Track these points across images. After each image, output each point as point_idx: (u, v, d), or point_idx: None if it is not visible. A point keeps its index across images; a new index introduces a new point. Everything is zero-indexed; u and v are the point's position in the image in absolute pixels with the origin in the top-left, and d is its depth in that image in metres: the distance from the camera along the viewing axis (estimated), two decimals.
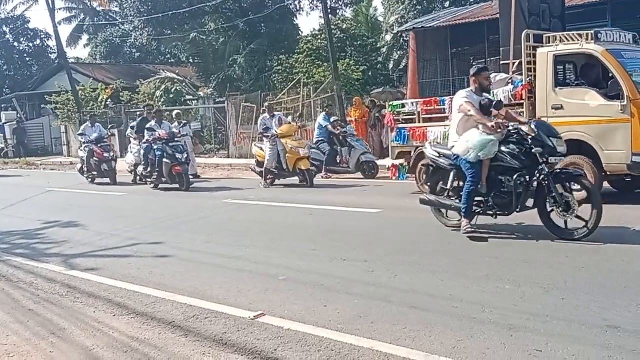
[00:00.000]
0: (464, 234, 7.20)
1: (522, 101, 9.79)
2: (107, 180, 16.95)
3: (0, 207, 12.86)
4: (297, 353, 4.09)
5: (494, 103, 7.38)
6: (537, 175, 6.99)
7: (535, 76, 9.71)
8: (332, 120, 15.99)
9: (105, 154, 16.80)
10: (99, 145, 16.88)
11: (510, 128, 7.11)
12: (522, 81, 9.80)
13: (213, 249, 7.70)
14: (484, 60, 22.62)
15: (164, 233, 8.88)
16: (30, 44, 49.29)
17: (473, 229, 7.26)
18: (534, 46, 9.81)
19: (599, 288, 5.11)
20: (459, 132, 7.39)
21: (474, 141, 7.08)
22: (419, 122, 11.21)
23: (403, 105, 11.80)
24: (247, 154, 23.12)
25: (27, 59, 49.37)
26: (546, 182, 6.96)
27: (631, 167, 8.81)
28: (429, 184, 8.22)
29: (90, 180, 17.23)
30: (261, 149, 14.51)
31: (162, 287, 5.87)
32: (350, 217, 9.77)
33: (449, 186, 7.66)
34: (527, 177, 7.05)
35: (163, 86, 29.22)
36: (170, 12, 30.09)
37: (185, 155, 14.45)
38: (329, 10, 25.71)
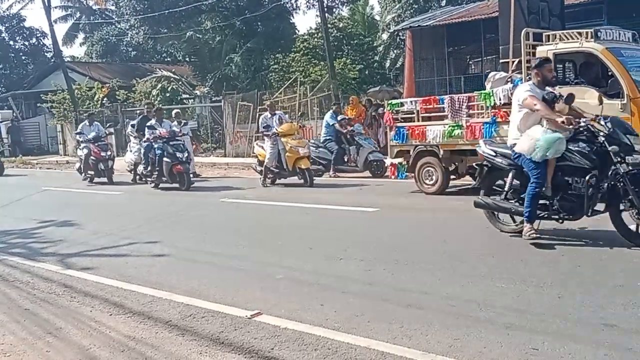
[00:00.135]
0: (527, 240, 6.62)
1: None
2: (105, 179, 16.82)
3: None
4: (293, 352, 4.09)
5: (566, 97, 6.74)
6: (611, 175, 6.40)
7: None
8: (339, 118, 15.80)
9: (102, 153, 16.64)
10: (96, 144, 16.71)
11: (582, 124, 6.56)
12: (521, 79, 9.76)
13: (210, 248, 7.69)
14: (480, 59, 22.77)
15: (161, 232, 8.87)
16: (26, 43, 49.25)
17: (538, 235, 6.69)
18: (534, 44, 9.80)
19: (595, 286, 5.12)
20: (521, 129, 6.82)
21: (539, 139, 6.51)
22: (418, 120, 11.19)
23: (402, 104, 11.77)
24: (244, 152, 23.15)
25: (23, 57, 49.30)
26: (622, 184, 6.36)
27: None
28: (482, 185, 7.56)
29: (88, 179, 17.09)
30: (262, 147, 14.37)
31: (159, 286, 5.86)
32: (346, 215, 9.77)
33: (507, 188, 7.09)
34: (598, 177, 6.48)
35: (159, 85, 29.22)
36: (167, 11, 30.09)
37: (186, 154, 14.32)
38: (326, 9, 25.75)
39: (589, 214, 6.64)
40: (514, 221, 7.25)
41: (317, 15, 31.78)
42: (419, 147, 11.15)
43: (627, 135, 6.44)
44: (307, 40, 29.11)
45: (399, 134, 11.39)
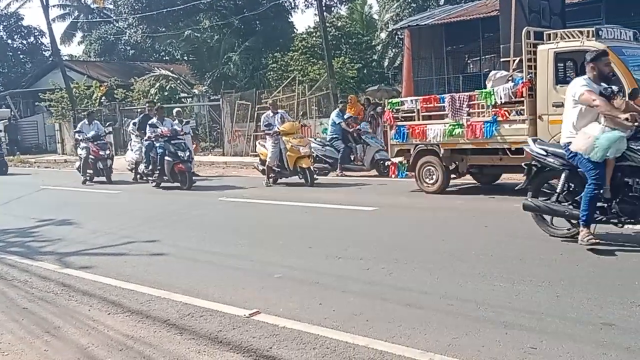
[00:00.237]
0: (584, 246, 6.23)
1: (522, 99, 9.76)
2: (105, 179, 16.68)
3: None
4: (292, 351, 4.09)
5: (630, 92, 6.33)
6: None
7: (535, 73, 9.69)
8: (345, 116, 15.62)
9: (101, 152, 16.50)
10: (95, 143, 16.58)
11: None
12: (522, 78, 9.78)
13: (208, 246, 7.69)
14: (479, 58, 22.78)
15: (159, 231, 8.87)
16: (24, 42, 49.20)
17: (597, 240, 6.23)
18: (534, 43, 9.78)
19: (593, 285, 5.13)
20: (576, 127, 6.40)
21: (598, 137, 6.10)
22: (419, 119, 11.17)
23: (402, 103, 11.74)
24: (242, 151, 23.15)
25: (21, 56, 49.26)
26: None
27: None
28: (530, 186, 7.08)
29: (88, 178, 16.91)
30: (264, 147, 14.23)
31: (157, 285, 5.86)
32: (346, 215, 9.77)
33: (559, 189, 6.69)
34: None
35: (157, 84, 29.20)
36: (165, 10, 30.07)
37: (188, 153, 14.19)
38: (324, 8, 25.74)
39: None
40: (570, 225, 6.80)
41: (315, 14, 31.87)
42: (420, 146, 11.14)
43: None
44: (305, 39, 29.11)
45: (399, 133, 11.38)
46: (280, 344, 4.21)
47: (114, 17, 40.66)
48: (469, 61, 24.35)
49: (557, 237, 6.85)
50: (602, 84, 6.44)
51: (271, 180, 13.89)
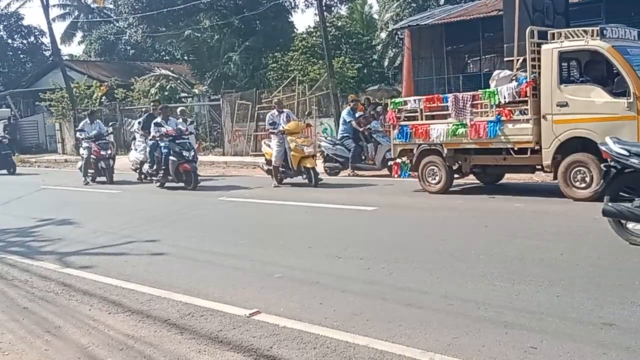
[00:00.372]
0: None
1: (526, 98, 9.73)
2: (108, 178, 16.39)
3: None
4: (292, 350, 4.09)
5: None
6: None
7: (539, 73, 9.65)
8: (357, 115, 15.40)
9: (103, 152, 16.26)
10: (97, 143, 16.36)
11: None
12: (526, 78, 9.74)
13: (209, 246, 7.70)
14: (479, 57, 22.79)
15: (160, 231, 8.87)
16: (24, 41, 49.17)
17: None
18: (538, 42, 9.74)
19: (593, 285, 5.13)
20: None
21: None
22: (422, 119, 11.14)
23: (405, 102, 11.69)
24: (242, 151, 23.15)
25: (21, 56, 49.25)
26: None
27: None
28: (608, 190, 6.64)
29: (90, 178, 16.71)
30: (269, 146, 14.03)
31: (158, 285, 5.86)
32: (346, 214, 9.77)
33: None
34: None
35: (158, 83, 29.20)
36: (165, 9, 30.08)
37: (192, 153, 14.06)
38: (324, 8, 25.72)
39: None
40: None
41: (315, 14, 31.86)
42: (423, 145, 11.11)
43: None
44: (305, 39, 29.10)
45: (402, 133, 11.33)
46: (281, 344, 4.21)
47: (114, 17, 40.69)
48: (469, 61, 24.36)
49: (638, 245, 6.32)
50: None
51: (276, 181, 13.67)
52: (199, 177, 14.64)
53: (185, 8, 30.57)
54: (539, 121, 9.62)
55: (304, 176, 13.36)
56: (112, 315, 5.06)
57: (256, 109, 22.87)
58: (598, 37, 9.13)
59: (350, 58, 27.03)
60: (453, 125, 10.53)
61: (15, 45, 48.75)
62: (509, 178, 11.95)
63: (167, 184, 14.41)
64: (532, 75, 9.69)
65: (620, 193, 6.47)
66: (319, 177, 13.34)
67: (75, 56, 49.54)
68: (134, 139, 17.65)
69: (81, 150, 17.48)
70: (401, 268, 6.07)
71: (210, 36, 33.06)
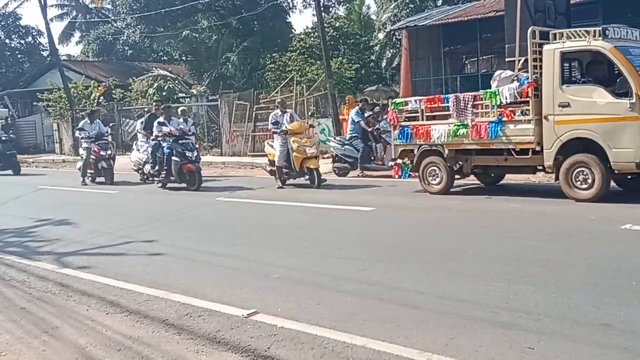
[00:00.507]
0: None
1: (528, 99, 9.69)
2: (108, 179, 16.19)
3: None
4: (290, 351, 4.10)
5: None
6: None
7: (541, 73, 9.61)
8: (366, 115, 15.22)
9: (102, 152, 16.07)
10: (96, 143, 16.17)
11: None
12: (528, 78, 9.70)
13: (206, 247, 7.70)
14: (476, 58, 22.84)
15: (158, 231, 8.87)
16: (22, 41, 49.09)
17: None
18: (540, 43, 9.70)
19: (590, 286, 5.14)
20: None
21: None
22: (422, 120, 11.10)
23: (406, 103, 11.62)
24: (240, 151, 23.15)
25: (19, 56, 49.16)
26: None
27: None
28: None
29: (90, 179, 16.55)
30: (272, 147, 13.79)
31: (155, 285, 5.86)
32: (343, 215, 9.78)
33: None
34: None
35: (156, 84, 29.17)
36: (163, 10, 30.06)
37: (195, 154, 13.92)
38: (322, 8, 25.77)
39: None
40: None
41: (313, 15, 31.79)
42: (424, 146, 11.07)
43: None
44: (303, 40, 29.12)
45: (402, 133, 11.29)
46: (278, 344, 4.22)
47: (112, 17, 40.68)
48: (466, 62, 24.43)
49: None
50: None
51: (280, 182, 13.40)
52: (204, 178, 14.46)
53: (183, 8, 30.56)
54: (541, 122, 9.57)
55: (307, 177, 13.19)
56: (110, 316, 5.06)
57: (254, 109, 22.86)
58: (600, 38, 9.08)
59: (348, 59, 27.07)
60: (454, 125, 10.48)
61: (13, 45, 48.68)
62: (508, 179, 11.95)
63: (169, 185, 14.29)
64: (534, 76, 9.63)
65: None
66: (322, 178, 13.15)
67: (73, 56, 49.50)
68: (136, 139, 17.41)
69: (80, 151, 17.26)
70: (398, 268, 6.09)
71: (208, 36, 33.08)
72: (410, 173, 11.55)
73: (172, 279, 6.13)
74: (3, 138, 21.23)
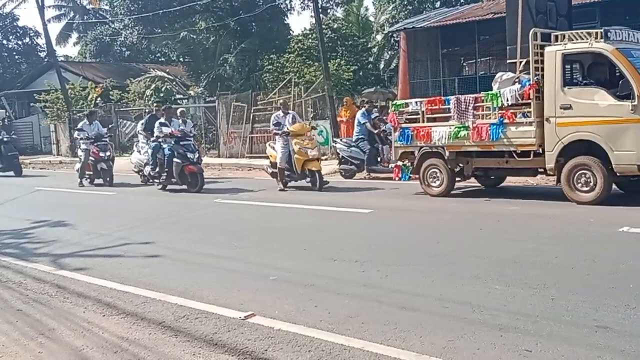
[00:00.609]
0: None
1: (529, 101, 9.67)
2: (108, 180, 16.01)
3: None
4: (287, 353, 4.09)
5: None
6: None
7: (542, 75, 9.59)
8: (372, 117, 15.07)
9: (101, 154, 15.92)
10: (95, 144, 16.04)
11: None
12: (529, 80, 9.68)
13: (204, 248, 7.68)
14: (474, 60, 22.85)
15: (155, 232, 8.85)
16: (19, 42, 49.07)
17: None
18: (541, 45, 9.67)
19: (588, 288, 5.14)
20: None
21: None
22: (423, 121, 11.05)
23: (406, 105, 11.58)
24: (238, 153, 23.13)
25: (16, 57, 49.14)
26: None
27: None
28: None
29: (88, 181, 16.42)
30: (274, 148, 13.60)
31: (152, 287, 5.85)
32: (341, 217, 9.77)
33: None
34: None
35: (153, 85, 29.17)
36: (161, 11, 30.04)
37: (197, 155, 13.78)
38: (320, 10, 25.77)
39: None
40: None
41: (311, 16, 31.84)
42: (424, 148, 11.03)
43: None
44: (301, 41, 29.13)
45: (403, 135, 11.25)
46: (276, 347, 4.20)
47: (110, 18, 40.63)
48: (464, 64, 24.44)
49: None
50: None
51: (281, 184, 13.22)
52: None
53: (181, 10, 30.55)
54: (542, 124, 9.55)
55: (308, 180, 13.05)
56: (107, 318, 5.05)
57: (252, 111, 22.85)
58: (602, 40, 9.07)
59: (346, 60, 27.08)
60: (455, 127, 10.45)
61: (10, 46, 48.67)
62: (508, 181, 11.94)
63: (169, 187, 14.18)
64: (535, 78, 9.61)
65: None
66: (324, 180, 12.98)
67: (71, 57, 49.42)
68: (135, 140, 17.26)
69: (79, 152, 17.07)
70: (396, 270, 6.07)
71: (206, 38, 33.08)
72: (411, 175, 11.49)
73: (169, 281, 6.11)
74: (5, 139, 21.05)
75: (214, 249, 7.61)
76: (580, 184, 9.23)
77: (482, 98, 10.34)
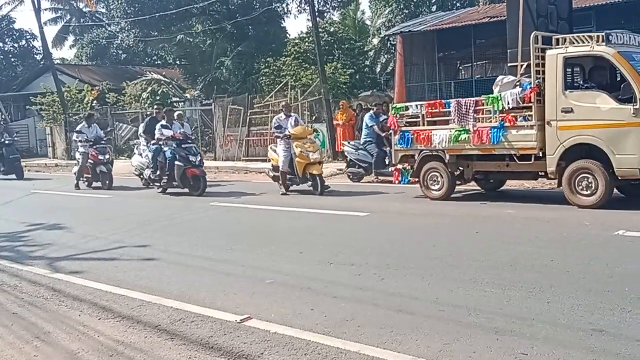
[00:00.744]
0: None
1: (530, 104, 9.64)
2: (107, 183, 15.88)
3: None
4: (283, 357, 4.09)
5: None
6: None
7: (543, 78, 9.57)
8: (381, 119, 14.80)
9: (100, 157, 15.81)
10: (94, 147, 15.93)
11: None
12: (530, 83, 9.66)
13: (200, 251, 7.67)
14: (470, 64, 22.90)
15: (151, 236, 8.84)
16: (16, 45, 48.95)
17: None
18: (542, 48, 9.65)
19: (583, 292, 5.15)
20: None
21: None
22: (423, 125, 11.02)
23: (406, 108, 11.53)
24: (234, 156, 23.12)
25: (12, 59, 49.01)
26: None
27: None
28: None
29: (86, 183, 16.33)
30: (275, 152, 13.49)
31: (148, 290, 5.84)
32: (338, 220, 9.76)
33: None
34: None
35: (149, 88, 29.11)
36: (157, 14, 30.00)
37: (199, 158, 13.64)
38: (317, 13, 25.76)
39: None
40: None
41: (308, 20, 31.88)
42: (424, 151, 11.01)
43: None
44: (298, 45, 29.13)
45: (403, 139, 11.23)
46: (272, 350, 4.20)
47: (106, 21, 40.60)
48: (460, 67, 24.50)
49: None
50: None
51: (283, 188, 13.06)
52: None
53: (177, 12, 30.53)
54: (543, 127, 9.53)
55: (310, 183, 12.89)
56: (102, 321, 5.03)
57: (248, 114, 22.84)
58: (603, 43, 9.06)
59: (343, 64, 27.08)
60: (455, 131, 10.42)
61: (6, 48, 48.56)
62: (507, 185, 11.94)
63: (170, 190, 14.03)
64: (537, 81, 9.59)
65: None
66: (325, 184, 12.85)
67: (67, 60, 49.38)
68: (137, 142, 17.11)
69: (77, 155, 16.92)
70: (392, 274, 6.08)
71: (203, 41, 33.04)
72: (411, 178, 11.47)
73: (165, 284, 6.11)
74: (7, 142, 20.86)
75: (211, 252, 7.60)
76: (581, 188, 9.20)
77: (483, 101, 10.30)
